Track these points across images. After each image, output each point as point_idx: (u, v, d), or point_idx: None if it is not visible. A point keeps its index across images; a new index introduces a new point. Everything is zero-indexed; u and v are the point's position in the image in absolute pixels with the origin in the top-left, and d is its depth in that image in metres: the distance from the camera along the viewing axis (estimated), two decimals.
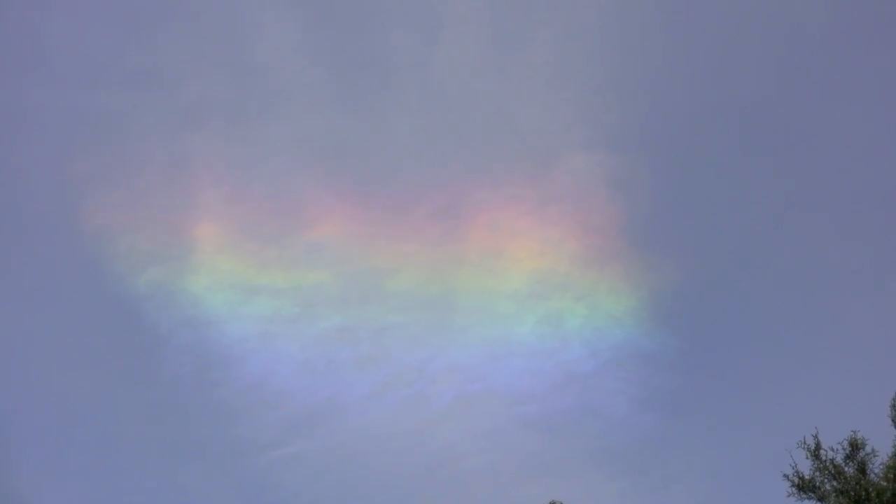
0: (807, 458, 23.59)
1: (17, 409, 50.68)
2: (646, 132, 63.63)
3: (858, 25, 61.81)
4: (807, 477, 23.47)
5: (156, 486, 50.05)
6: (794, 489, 23.43)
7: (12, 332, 53.04)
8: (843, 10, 60.91)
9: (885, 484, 22.43)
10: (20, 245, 58.20)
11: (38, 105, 59.00)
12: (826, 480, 23.13)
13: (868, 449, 23.08)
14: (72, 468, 51.24)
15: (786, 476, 23.54)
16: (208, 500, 50.82)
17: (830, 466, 23.21)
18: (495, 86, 65.53)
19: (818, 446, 23.56)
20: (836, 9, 60.72)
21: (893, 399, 23.09)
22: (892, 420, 22.72)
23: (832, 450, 23.44)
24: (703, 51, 62.50)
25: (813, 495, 23.23)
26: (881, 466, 22.63)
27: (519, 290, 54.30)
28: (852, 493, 22.61)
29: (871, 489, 22.45)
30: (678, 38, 62.47)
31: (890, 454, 22.56)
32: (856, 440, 23.15)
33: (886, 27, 60.37)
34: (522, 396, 53.12)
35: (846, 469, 23.00)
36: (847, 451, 23.24)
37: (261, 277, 53.26)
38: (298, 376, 53.87)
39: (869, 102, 60.69)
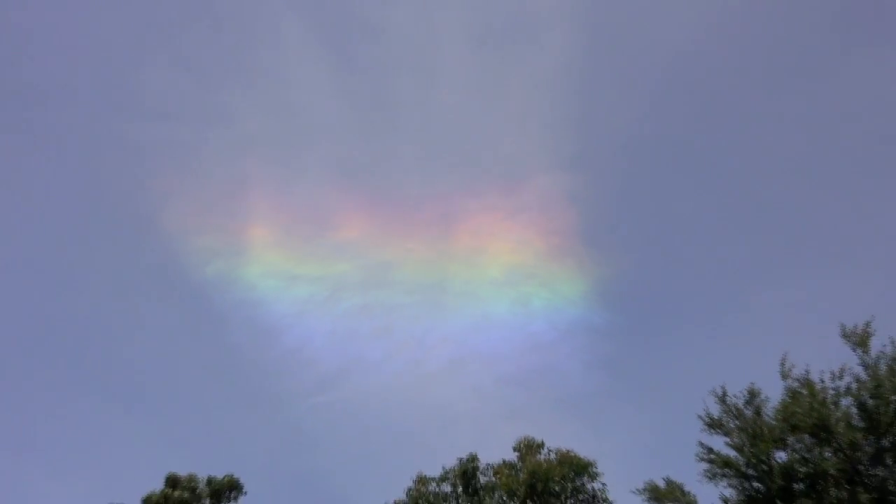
0: (716, 403, 28.33)
1: (120, 366, 66.78)
2: (595, 158, 76.34)
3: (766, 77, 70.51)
4: (716, 417, 28.05)
5: (218, 426, 65.69)
6: (706, 427, 28.14)
7: (117, 312, 71.92)
8: (755, 64, 69.49)
9: (774, 423, 27.75)
10: (122, 246, 76.46)
11: (136, 138, 75.61)
12: (730, 420, 27.82)
13: (763, 396, 27.82)
14: (158, 412, 67.56)
15: (700, 417, 28.27)
16: (258, 436, 65.31)
17: (734, 409, 27.98)
18: (478, 122, 78.66)
19: (725, 394, 28.37)
20: (751, 62, 69.80)
21: (782, 360, 27.87)
22: (781, 375, 27.52)
23: (735, 397, 28.16)
24: (639, 97, 76.85)
25: (720, 431, 27.89)
26: (772, 409, 27.35)
27: (496, 279, 64.36)
28: (750, 430, 27.40)
29: (763, 427, 27.69)
30: (620, 87, 76.65)
31: (779, 400, 27.89)
32: (753, 389, 28.05)
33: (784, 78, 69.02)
34: (499, 359, 64.69)
35: (746, 411, 27.82)
36: (747, 398, 28.03)
37: (299, 268, 63.52)
38: (328, 344, 68.18)
39: (766, 139, 69.13)
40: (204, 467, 37.35)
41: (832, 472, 25.60)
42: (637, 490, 28.59)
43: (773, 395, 27.80)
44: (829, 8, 68.61)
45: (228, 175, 73.82)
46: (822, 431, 25.92)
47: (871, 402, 25.86)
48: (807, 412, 26.01)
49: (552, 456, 28.20)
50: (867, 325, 26.54)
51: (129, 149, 73.99)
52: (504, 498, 27.80)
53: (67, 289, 70.63)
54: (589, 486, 28.04)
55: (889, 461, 26.16)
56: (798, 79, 70.46)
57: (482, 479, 28.84)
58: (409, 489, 29.66)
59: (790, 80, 69.08)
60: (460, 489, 28.61)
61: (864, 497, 25.26)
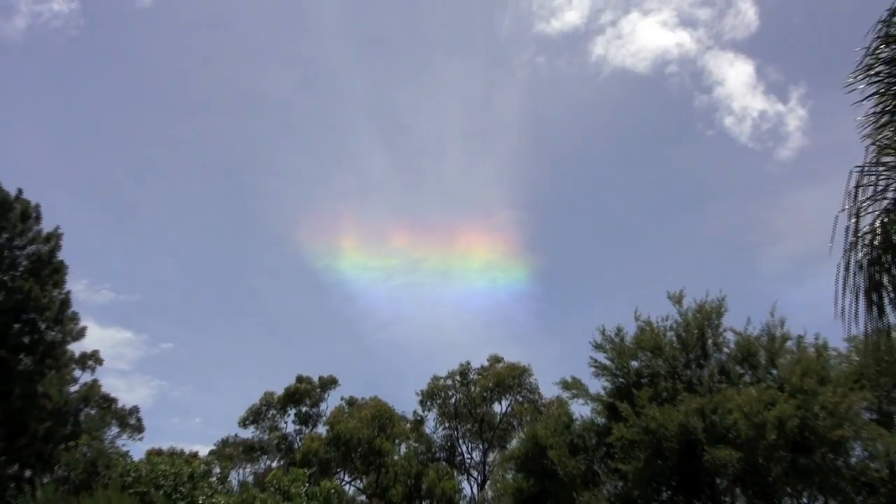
0: (599, 334, 38.61)
1: (273, 314, 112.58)
2: (534, 203, 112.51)
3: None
4: (599, 342, 38.28)
5: (324, 348, 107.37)
6: (594, 348, 38.55)
7: (270, 286, 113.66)
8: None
9: (631, 346, 44.92)
10: (272, 249, 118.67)
11: (278, 191, 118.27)
12: (607, 344, 38.10)
13: (625, 331, 38.17)
14: (293, 339, 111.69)
15: (591, 342, 38.42)
16: (345, 354, 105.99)
17: (609, 338, 39.01)
18: (468, 181, 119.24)
19: (604, 329, 38.73)
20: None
21: (635, 310, 45.90)
22: (634, 318, 38.81)
23: (610, 331, 38.55)
24: (559, 170, 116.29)
25: (602, 350, 38.21)
26: (630, 338, 37.58)
27: (478, 268, 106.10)
28: (617, 349, 37.52)
29: (625, 348, 38.84)
30: (549, 164, 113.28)
31: (634, 333, 45.17)
32: (619, 327, 38.30)
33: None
34: (480, 314, 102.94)
35: (615, 339, 38.31)
36: (616, 332, 38.51)
37: (369, 262, 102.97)
38: (384, 305, 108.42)
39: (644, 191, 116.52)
40: (316, 370, 63.40)
41: (663, 373, 36.82)
42: (556, 383, 46.37)
43: (630, 330, 39.07)
44: (660, 122, 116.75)
45: (329, 211, 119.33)
46: (657, 350, 37.44)
47: (683, 333, 37.29)
48: (649, 339, 37.57)
49: (506, 365, 48.04)
50: (681, 291, 39.82)
51: (275, 198, 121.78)
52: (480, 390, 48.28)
53: (245, 273, 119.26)
54: (527, 382, 47.91)
55: (693, 366, 43.35)
56: (642, 160, 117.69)
57: (470, 376, 49.51)
58: (429, 383, 50.79)
59: (637, 162, 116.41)
60: (458, 383, 49.38)
61: (679, 386, 39.83)
